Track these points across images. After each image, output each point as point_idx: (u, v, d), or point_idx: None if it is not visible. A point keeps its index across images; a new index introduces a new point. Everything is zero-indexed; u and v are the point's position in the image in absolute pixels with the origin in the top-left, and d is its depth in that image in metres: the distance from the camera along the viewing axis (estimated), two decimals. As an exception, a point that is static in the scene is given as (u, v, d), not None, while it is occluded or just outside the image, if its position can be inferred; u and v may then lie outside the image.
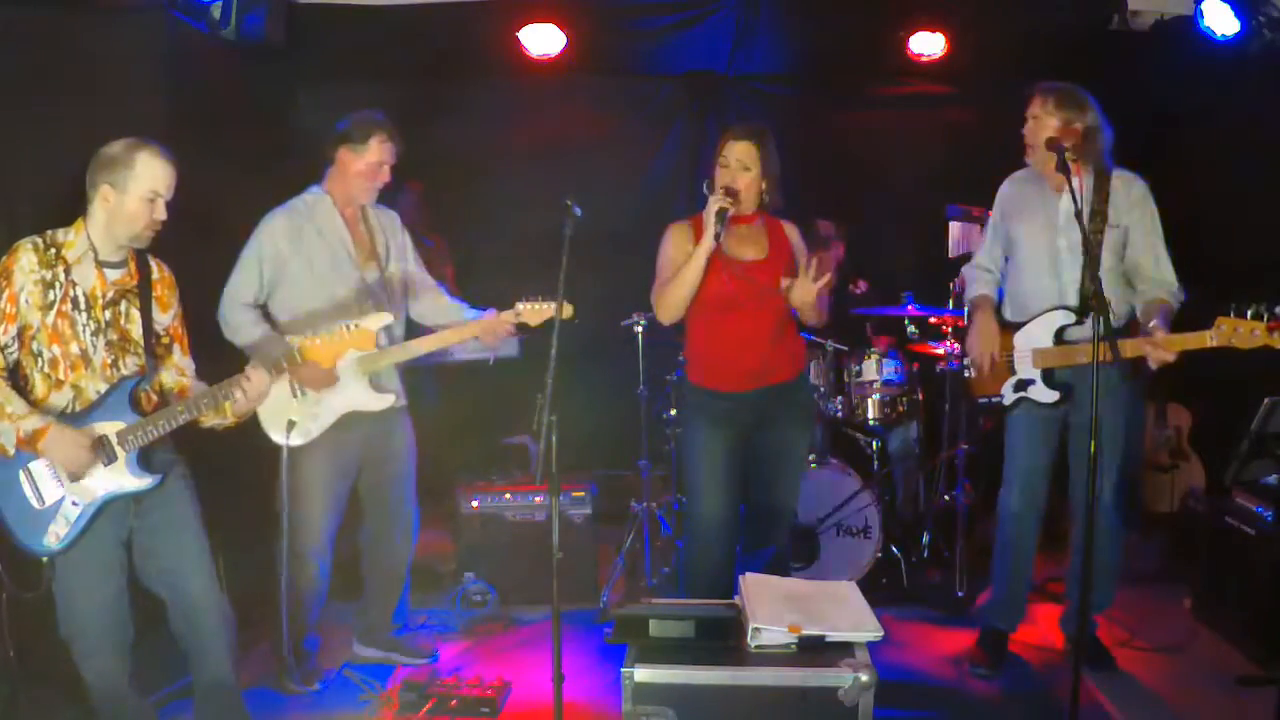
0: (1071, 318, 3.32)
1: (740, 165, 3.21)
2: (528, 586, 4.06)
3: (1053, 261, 3.37)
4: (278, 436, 3.25)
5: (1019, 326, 3.46)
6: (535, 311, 3.38)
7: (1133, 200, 3.34)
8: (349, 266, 3.41)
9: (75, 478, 2.65)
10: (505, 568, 4.15)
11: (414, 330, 3.62)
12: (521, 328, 3.42)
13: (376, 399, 3.42)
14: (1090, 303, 2.92)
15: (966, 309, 3.66)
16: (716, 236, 3.11)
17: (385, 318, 3.30)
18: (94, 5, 3.62)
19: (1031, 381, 3.42)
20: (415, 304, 3.63)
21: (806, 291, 3.14)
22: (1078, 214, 2.94)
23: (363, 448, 3.51)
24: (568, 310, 3.22)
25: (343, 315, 3.31)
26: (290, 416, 3.19)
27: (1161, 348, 3.09)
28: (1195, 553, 4.17)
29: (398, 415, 3.56)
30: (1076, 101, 3.31)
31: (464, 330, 3.46)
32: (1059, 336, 3.34)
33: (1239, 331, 2.95)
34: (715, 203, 3.13)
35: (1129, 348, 3.12)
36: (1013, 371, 3.46)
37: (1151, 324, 3.17)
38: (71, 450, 2.61)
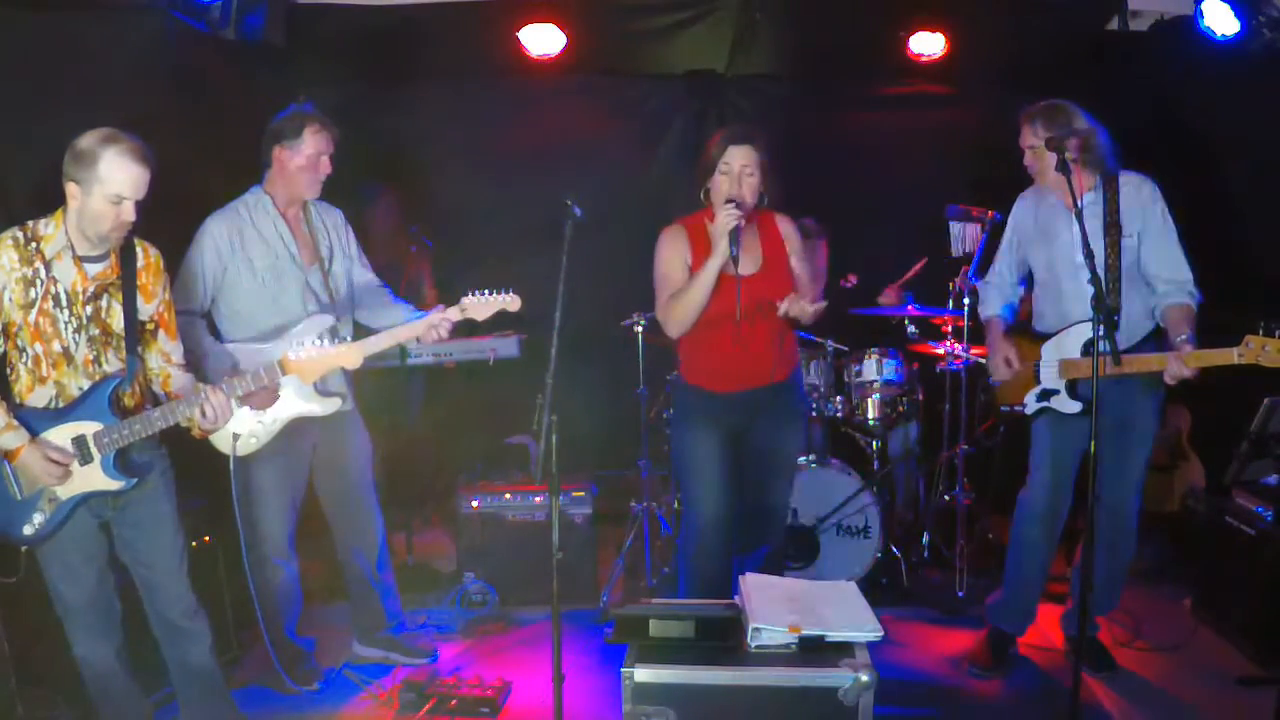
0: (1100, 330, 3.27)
1: (745, 171, 3.15)
2: (528, 586, 4.06)
3: (1077, 280, 3.30)
4: (224, 447, 3.19)
5: (1049, 338, 3.44)
6: (481, 306, 3.32)
7: (1143, 202, 3.30)
8: (292, 267, 3.36)
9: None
10: (505, 568, 4.15)
11: (360, 332, 3.52)
12: (469, 323, 3.38)
13: (323, 403, 3.36)
14: (1095, 304, 2.86)
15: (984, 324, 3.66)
16: (733, 256, 3.07)
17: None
18: (94, 5, 3.62)
19: (1055, 392, 3.40)
20: (360, 305, 3.59)
21: (801, 313, 3.12)
22: (1078, 214, 2.93)
23: (313, 453, 3.48)
24: (516, 303, 3.23)
25: (287, 317, 3.30)
26: (234, 429, 3.12)
27: (1181, 363, 3.03)
28: (1195, 553, 4.18)
29: (347, 418, 3.52)
30: (1062, 116, 3.28)
31: (408, 330, 3.34)
32: (1087, 349, 3.28)
33: (1267, 350, 2.86)
34: (729, 220, 3.06)
35: (1153, 362, 3.11)
36: (1037, 381, 3.45)
37: (1180, 339, 3.12)
38: (43, 473, 2.64)
